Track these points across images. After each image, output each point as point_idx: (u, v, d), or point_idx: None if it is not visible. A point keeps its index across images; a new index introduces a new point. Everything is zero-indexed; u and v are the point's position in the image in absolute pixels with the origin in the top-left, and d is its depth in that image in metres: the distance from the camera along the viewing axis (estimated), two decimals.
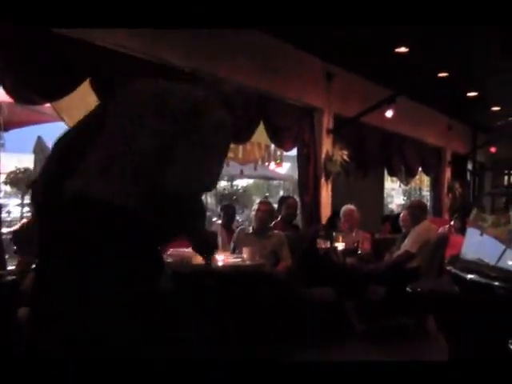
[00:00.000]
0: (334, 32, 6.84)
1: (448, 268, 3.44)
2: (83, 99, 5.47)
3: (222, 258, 5.34)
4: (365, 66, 8.35)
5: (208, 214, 15.19)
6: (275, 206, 6.94)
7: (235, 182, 18.44)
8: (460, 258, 3.38)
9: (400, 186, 13.89)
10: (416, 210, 7.03)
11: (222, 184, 17.90)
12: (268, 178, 16.04)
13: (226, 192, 17.60)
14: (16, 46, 4.72)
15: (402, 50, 7.65)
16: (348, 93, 8.78)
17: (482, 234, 3.54)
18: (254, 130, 7.32)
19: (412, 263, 6.54)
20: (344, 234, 6.97)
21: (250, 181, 19.34)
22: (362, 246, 6.89)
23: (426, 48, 7.55)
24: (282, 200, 7.26)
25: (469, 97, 10.29)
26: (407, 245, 6.68)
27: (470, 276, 3.01)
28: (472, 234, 3.62)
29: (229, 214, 6.89)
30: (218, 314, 5.10)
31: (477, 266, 3.12)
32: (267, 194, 19.07)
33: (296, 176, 8.57)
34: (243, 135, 7.22)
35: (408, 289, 4.26)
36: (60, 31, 4.99)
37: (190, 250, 5.47)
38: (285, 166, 12.34)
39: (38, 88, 4.91)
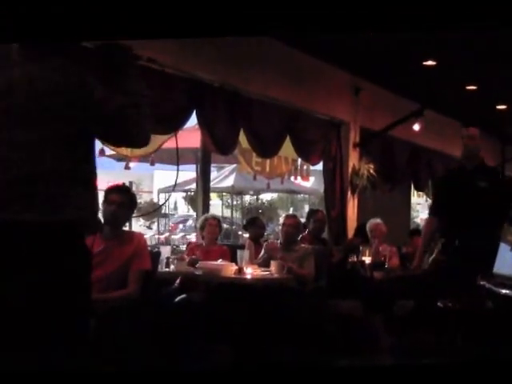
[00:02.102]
0: (361, 45, 6.84)
1: (481, 283, 3.42)
2: None
3: (250, 271, 5.35)
4: (392, 79, 8.33)
5: (234, 227, 15.27)
6: (302, 219, 6.94)
7: (260, 196, 18.49)
8: (492, 273, 3.36)
9: (426, 200, 13.78)
10: None
11: (248, 198, 17.96)
12: (293, 192, 16.05)
13: (252, 206, 17.65)
14: None
15: (430, 63, 7.63)
16: (375, 106, 8.76)
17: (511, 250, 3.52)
18: (281, 144, 7.34)
19: None
20: (371, 247, 6.94)
21: (275, 194, 19.35)
22: (389, 260, 6.85)
23: (454, 61, 7.51)
24: (311, 213, 7.25)
25: (497, 109, 10.20)
26: None
27: (503, 291, 2.99)
28: (503, 249, 3.59)
29: (257, 227, 6.88)
30: (246, 325, 5.10)
31: (510, 281, 3.10)
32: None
33: (321, 190, 8.55)
34: (271, 150, 7.25)
35: (439, 303, 4.24)
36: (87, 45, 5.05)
37: (219, 262, 5.53)
38: (310, 180, 12.34)
39: None
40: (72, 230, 2.33)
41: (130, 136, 2.49)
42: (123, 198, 4.35)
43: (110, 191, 4.44)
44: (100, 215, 4.28)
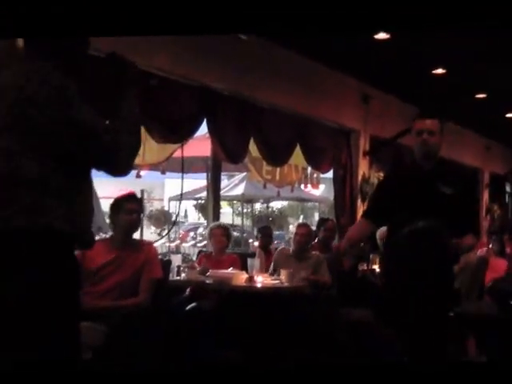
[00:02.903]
0: (371, 53, 6.87)
1: (492, 291, 3.42)
2: None
3: (260, 280, 5.36)
4: (402, 87, 8.34)
5: (244, 235, 15.27)
6: (312, 227, 6.94)
7: (270, 204, 18.49)
8: (504, 281, 3.36)
9: None
10: None
11: (258, 205, 17.96)
12: (303, 200, 16.04)
13: (262, 214, 17.66)
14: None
15: (440, 71, 7.64)
16: (385, 114, 8.77)
17: None
18: (291, 152, 7.37)
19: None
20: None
21: (285, 202, 19.35)
22: None
23: (464, 69, 7.52)
24: (321, 222, 7.26)
25: (507, 118, 10.19)
26: None
27: None
28: None
29: (266, 235, 6.92)
30: (257, 334, 5.12)
31: None
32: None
33: (331, 197, 8.56)
34: (281, 158, 7.28)
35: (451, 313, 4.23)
36: (102, 56, 5.07)
37: (229, 271, 5.55)
38: (320, 188, 12.35)
39: None
40: (48, 242, 2.21)
41: (112, 164, 2.34)
42: (139, 207, 4.42)
43: (127, 200, 4.43)
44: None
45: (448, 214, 3.60)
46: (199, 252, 6.76)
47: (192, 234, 19.12)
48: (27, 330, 2.16)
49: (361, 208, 8.50)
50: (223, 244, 5.98)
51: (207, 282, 5.35)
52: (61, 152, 2.24)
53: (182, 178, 6.66)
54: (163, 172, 7.20)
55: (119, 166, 2.38)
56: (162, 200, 21.79)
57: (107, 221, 12.41)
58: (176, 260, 5.61)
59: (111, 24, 2.29)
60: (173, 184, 19.86)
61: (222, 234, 5.96)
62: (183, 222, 20.96)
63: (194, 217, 21.77)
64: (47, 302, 2.19)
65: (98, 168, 2.37)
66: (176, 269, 5.44)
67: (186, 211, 21.94)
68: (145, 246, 4.46)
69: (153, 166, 6.68)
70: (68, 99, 2.24)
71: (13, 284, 2.17)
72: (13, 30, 2.24)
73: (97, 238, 9.39)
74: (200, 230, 17.09)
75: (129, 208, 4.35)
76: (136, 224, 4.41)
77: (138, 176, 6.27)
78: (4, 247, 2.18)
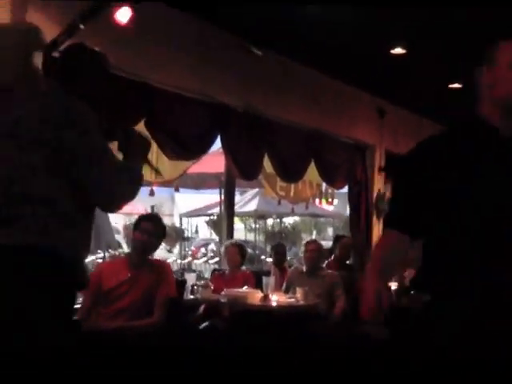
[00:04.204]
0: (386, 68, 6.82)
1: None
2: None
3: (275, 298, 5.30)
4: (417, 101, 8.27)
5: (257, 252, 15.18)
6: (323, 243, 6.88)
7: (283, 219, 18.43)
8: None
9: None
10: None
11: (271, 221, 17.90)
12: (317, 216, 15.97)
13: (275, 230, 17.60)
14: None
15: (456, 85, 7.57)
16: (400, 129, 8.69)
17: None
18: (305, 168, 7.30)
19: None
20: (396, 273, 6.83)
21: (298, 218, 19.31)
22: None
23: None
24: (336, 239, 7.18)
25: None
26: None
27: None
28: None
29: (279, 252, 6.87)
30: (272, 353, 5.04)
31: None
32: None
33: (344, 212, 8.50)
34: (295, 174, 7.21)
35: None
36: (115, 72, 5.04)
37: (244, 289, 5.47)
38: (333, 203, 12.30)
39: None
40: (47, 263, 2.18)
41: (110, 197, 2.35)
42: (154, 228, 4.35)
43: (144, 219, 4.47)
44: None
45: None
46: (213, 271, 6.73)
47: (203, 249, 19.11)
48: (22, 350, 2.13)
49: (376, 224, 8.41)
50: (238, 262, 5.96)
51: (222, 300, 5.29)
52: (73, 177, 2.24)
53: None
54: (177, 189, 7.13)
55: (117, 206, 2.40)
56: (172, 216, 21.75)
57: (116, 237, 12.35)
58: (190, 279, 5.56)
59: None
60: (183, 198, 19.83)
61: (237, 253, 5.94)
62: (194, 238, 20.95)
63: (205, 233, 21.76)
64: (38, 320, 2.15)
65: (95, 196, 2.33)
66: (190, 288, 5.39)
67: (197, 227, 21.93)
68: (159, 265, 4.45)
69: (166, 183, 6.62)
70: (85, 125, 2.27)
71: (8, 301, 2.14)
72: None
73: (106, 254, 9.37)
74: (211, 246, 17.07)
75: (143, 227, 4.33)
76: (147, 245, 4.33)
77: (152, 194, 6.20)
78: (4, 263, 2.15)
